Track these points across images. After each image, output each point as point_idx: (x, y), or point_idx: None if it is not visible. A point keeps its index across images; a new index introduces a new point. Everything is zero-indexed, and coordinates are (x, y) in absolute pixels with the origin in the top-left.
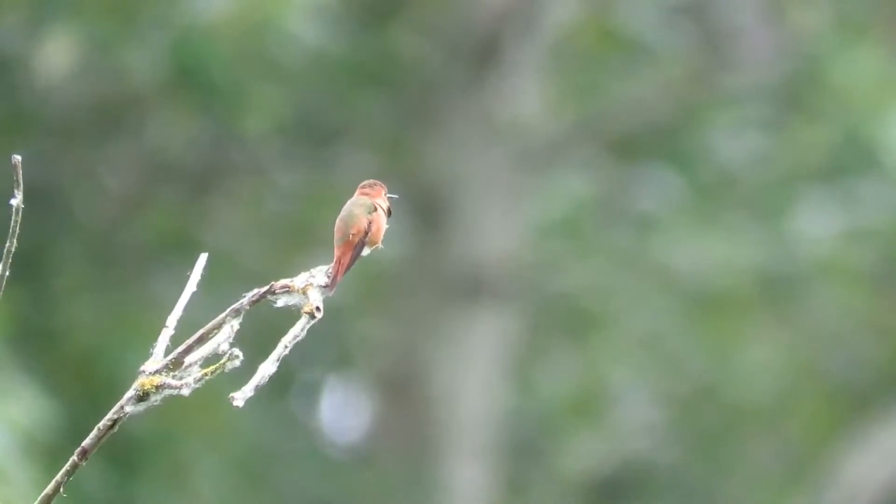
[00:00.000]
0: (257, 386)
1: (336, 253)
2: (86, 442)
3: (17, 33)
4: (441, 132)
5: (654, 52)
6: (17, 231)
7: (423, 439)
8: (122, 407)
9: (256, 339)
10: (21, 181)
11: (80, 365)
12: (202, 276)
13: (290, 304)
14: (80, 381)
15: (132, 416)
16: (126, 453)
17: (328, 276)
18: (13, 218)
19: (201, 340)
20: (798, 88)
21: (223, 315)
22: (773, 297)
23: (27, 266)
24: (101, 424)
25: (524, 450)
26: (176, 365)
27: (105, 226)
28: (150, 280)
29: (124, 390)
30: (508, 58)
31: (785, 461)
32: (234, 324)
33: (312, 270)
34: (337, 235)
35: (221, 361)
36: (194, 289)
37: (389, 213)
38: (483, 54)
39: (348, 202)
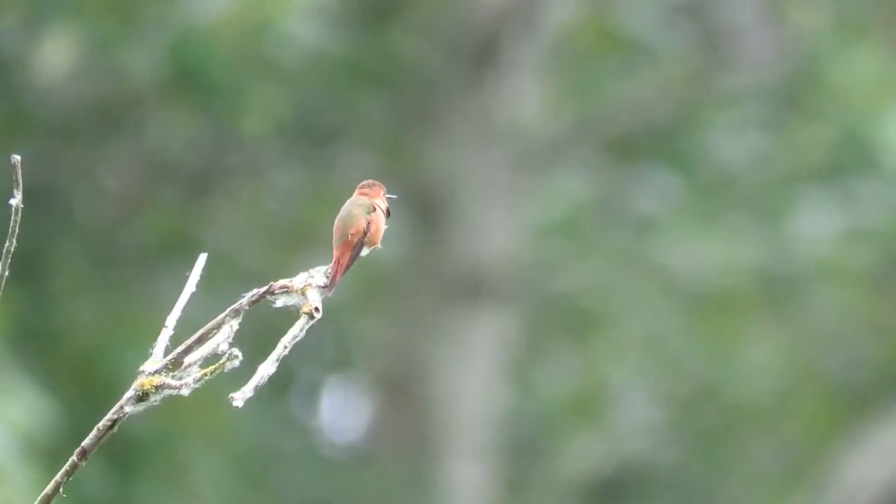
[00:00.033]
0: (257, 386)
1: (335, 253)
2: (85, 442)
3: (16, 33)
4: (440, 132)
5: (653, 52)
6: (17, 231)
7: (423, 439)
8: (121, 407)
9: (256, 340)
10: (20, 181)
11: (80, 365)
12: (201, 276)
13: (289, 304)
14: (80, 381)
15: (132, 417)
16: (126, 453)
17: (327, 277)
18: (12, 218)
19: (201, 341)
20: (797, 89)
21: (222, 315)
22: (773, 297)
23: (27, 266)
24: (100, 424)
25: (524, 450)
26: (175, 365)
27: (105, 226)
28: (149, 280)
29: (124, 390)
30: (508, 58)
31: (785, 461)
32: (234, 324)
33: (311, 271)
34: (336, 236)
35: (221, 362)
36: (193, 289)
37: (388, 213)
38: (482, 54)
39: (347, 202)
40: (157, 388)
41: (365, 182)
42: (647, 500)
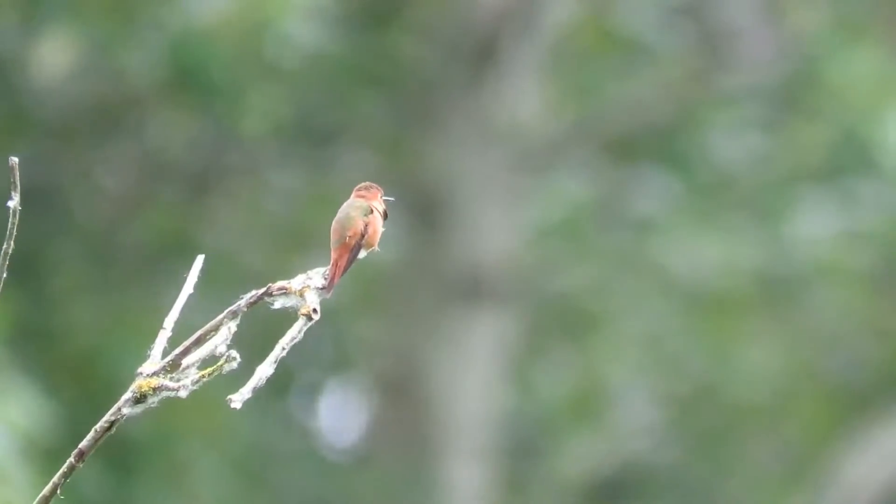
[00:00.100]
0: (255, 388)
1: (333, 255)
2: (83, 444)
3: (15, 33)
4: (440, 133)
5: (652, 52)
6: (15, 233)
7: (422, 440)
8: (119, 409)
9: (254, 341)
10: (18, 183)
11: (79, 366)
12: (199, 277)
13: (287, 306)
14: (79, 382)
15: (130, 418)
16: (124, 455)
17: (325, 278)
18: (10, 220)
19: (199, 342)
20: (796, 89)
21: (220, 317)
22: (772, 297)
23: (26, 267)
24: (98, 426)
25: (523, 450)
26: (173, 367)
27: (103, 226)
28: (148, 281)
29: (122, 392)
30: (507, 58)
31: (785, 461)
32: (232, 325)
33: (309, 272)
34: (333, 238)
35: (219, 363)
36: (191, 290)
37: (385, 215)
38: (482, 54)
39: (344, 204)
40: (155, 389)
41: (362, 184)
42: (647, 500)
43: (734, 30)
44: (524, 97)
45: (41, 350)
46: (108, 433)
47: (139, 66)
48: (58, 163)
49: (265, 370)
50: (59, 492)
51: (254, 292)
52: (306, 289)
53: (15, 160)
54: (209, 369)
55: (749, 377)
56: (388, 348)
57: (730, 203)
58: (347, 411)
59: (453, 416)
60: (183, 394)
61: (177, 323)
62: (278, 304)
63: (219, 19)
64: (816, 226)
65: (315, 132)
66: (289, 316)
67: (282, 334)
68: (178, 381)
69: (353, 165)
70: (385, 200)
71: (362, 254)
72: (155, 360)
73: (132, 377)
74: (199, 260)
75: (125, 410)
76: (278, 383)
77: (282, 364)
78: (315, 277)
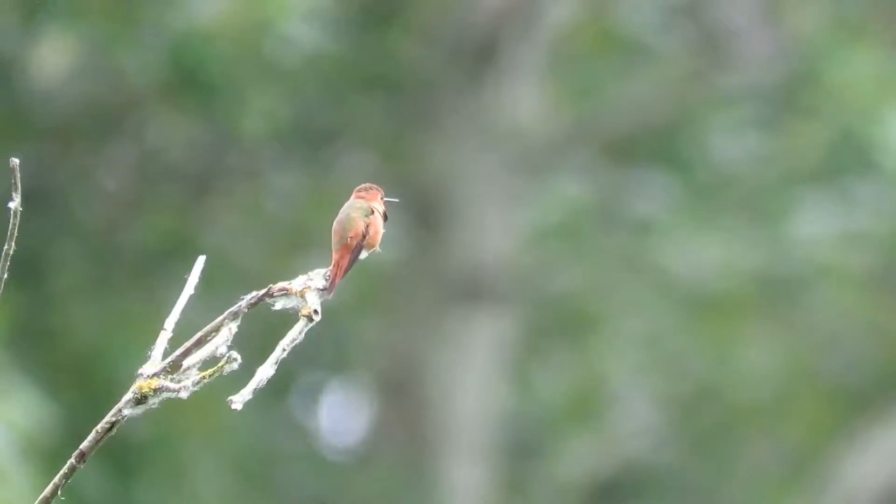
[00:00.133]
0: (255, 389)
1: (334, 256)
2: (84, 445)
3: (15, 35)
4: (439, 134)
5: (652, 52)
6: (16, 234)
7: (422, 441)
8: (119, 410)
9: (255, 342)
10: (19, 184)
11: (79, 367)
12: (200, 278)
13: (287, 307)
14: (79, 383)
15: (130, 419)
16: (125, 456)
17: (326, 279)
18: (11, 221)
19: (199, 343)
20: (795, 89)
21: (221, 318)
22: (772, 298)
23: (26, 268)
24: (99, 427)
25: (523, 451)
26: (174, 368)
27: (104, 228)
28: (149, 282)
29: (123, 393)
30: (506, 59)
31: (784, 462)
32: (233, 326)
33: (310, 273)
34: (334, 239)
35: (220, 364)
36: (192, 291)
37: (385, 217)
38: (481, 56)
39: (345, 206)
40: (156, 390)
41: (362, 185)
42: (647, 501)
43: (733, 30)
44: (524, 98)
45: (42, 351)
46: (109, 434)
47: (139, 67)
48: (58, 164)
49: (266, 371)
50: (59, 493)
51: (254, 293)
52: (307, 290)
53: (16, 161)
54: (210, 370)
55: (749, 378)
56: (388, 349)
57: (729, 204)
58: (348, 412)
59: (453, 416)
60: (184, 395)
61: (177, 324)
62: (279, 305)
63: (218, 20)
64: (816, 226)
65: (314, 134)
66: (289, 317)
67: (282, 335)
68: (179, 382)
69: (353, 166)
70: (388, 201)
71: (363, 255)
72: (155, 361)
73: (133, 378)
74: (200, 261)
75: (126, 411)
76: (279, 384)
77: (282, 365)
78: (316, 278)
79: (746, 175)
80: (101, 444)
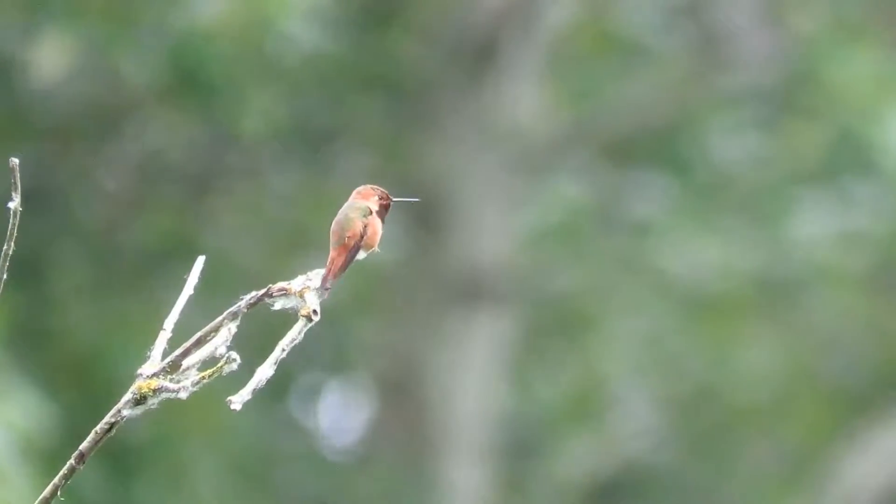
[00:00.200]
0: (255, 389)
1: (331, 255)
2: (83, 445)
3: (15, 35)
4: (439, 134)
5: (651, 53)
6: (16, 234)
7: (422, 441)
8: (119, 410)
9: (254, 343)
10: (19, 184)
11: (79, 367)
12: (200, 278)
13: (287, 307)
14: (79, 383)
15: (130, 420)
16: (124, 456)
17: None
18: (11, 221)
19: (199, 343)
20: (795, 89)
21: (220, 318)
22: (771, 299)
23: (26, 268)
24: (98, 428)
25: (522, 451)
26: (173, 368)
27: (103, 228)
28: (148, 282)
29: (122, 393)
30: (506, 60)
31: (784, 463)
32: (232, 327)
33: (309, 273)
34: (333, 239)
35: (219, 365)
36: (192, 292)
37: (385, 210)
38: (481, 56)
39: (344, 206)
40: (155, 391)
41: (361, 186)
42: (646, 501)
43: (733, 30)
44: (523, 98)
45: (41, 351)
46: (109, 434)
47: (139, 67)
48: (58, 164)
49: (265, 371)
50: (59, 493)
51: (254, 293)
52: (306, 290)
53: (15, 161)
54: (209, 371)
55: (748, 378)
56: (387, 349)
57: (728, 205)
58: (347, 412)
59: (453, 416)
60: (183, 395)
61: (177, 324)
62: (278, 305)
63: (218, 20)
64: (815, 227)
65: (314, 134)
66: (289, 317)
67: (282, 335)
68: (179, 382)
69: (353, 166)
70: (400, 201)
71: (362, 255)
72: (155, 361)
73: (132, 378)
74: (200, 261)
75: (125, 412)
76: (278, 384)
77: (282, 365)
78: (315, 279)
79: (746, 176)
80: (100, 444)
